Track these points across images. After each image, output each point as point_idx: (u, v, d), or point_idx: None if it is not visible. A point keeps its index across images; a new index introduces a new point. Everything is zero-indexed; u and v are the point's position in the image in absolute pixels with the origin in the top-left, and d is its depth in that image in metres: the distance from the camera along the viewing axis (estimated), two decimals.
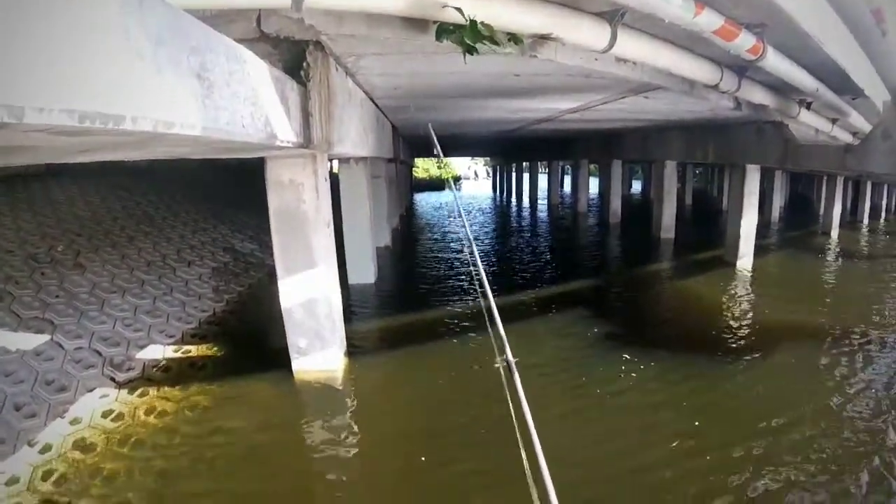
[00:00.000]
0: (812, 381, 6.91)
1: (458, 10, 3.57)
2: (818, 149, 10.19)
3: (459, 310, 9.58)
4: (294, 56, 4.56)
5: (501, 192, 44.48)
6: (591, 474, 4.68)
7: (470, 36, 3.67)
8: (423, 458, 4.90)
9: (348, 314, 8.69)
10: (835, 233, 20.92)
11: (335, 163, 15.42)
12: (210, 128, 2.48)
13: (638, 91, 7.61)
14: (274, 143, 3.57)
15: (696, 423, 5.74)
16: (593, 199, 32.83)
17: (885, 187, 29.40)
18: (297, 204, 5.70)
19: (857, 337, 8.45)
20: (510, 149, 32.56)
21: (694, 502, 4.36)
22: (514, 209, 31.07)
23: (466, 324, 8.75)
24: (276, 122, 3.62)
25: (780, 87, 7.13)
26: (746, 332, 8.78)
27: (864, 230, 23.07)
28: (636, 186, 47.53)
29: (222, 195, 13.92)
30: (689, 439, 5.41)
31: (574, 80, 6.52)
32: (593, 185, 34.29)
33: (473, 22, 3.65)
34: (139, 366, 6.22)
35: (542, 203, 33.11)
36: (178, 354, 6.75)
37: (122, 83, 1.73)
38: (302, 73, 4.50)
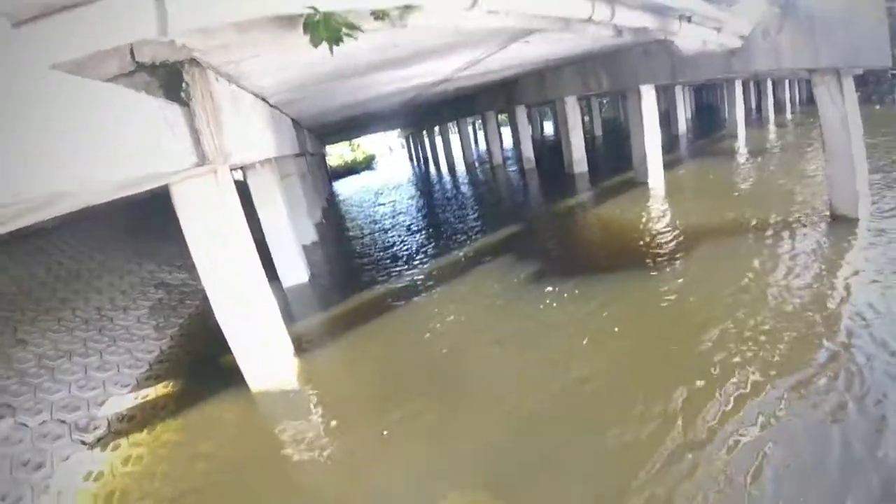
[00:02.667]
0: (732, 274, 7.44)
1: (314, 8, 3.64)
2: (704, 58, 10.64)
3: (397, 285, 9.85)
4: (173, 78, 4.52)
5: (418, 162, 44.55)
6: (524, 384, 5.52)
7: (325, 33, 3.73)
8: (385, 433, 5.19)
9: (289, 316, 8.81)
10: (741, 134, 22.06)
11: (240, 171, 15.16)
12: (100, 179, 2.51)
13: (517, 38, 7.80)
14: (168, 170, 3.59)
15: (616, 329, 6.48)
16: (509, 150, 33.38)
17: (787, 82, 30.93)
18: (209, 221, 5.66)
19: (770, 227, 9.12)
20: (417, 116, 32.56)
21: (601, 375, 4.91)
22: (433, 176, 31.22)
23: (405, 297, 9.05)
24: (165, 149, 3.64)
25: (656, 8, 7.42)
26: (663, 242, 9.38)
27: (771, 126, 24.31)
28: (549, 129, 48.40)
29: (141, 230, 13.47)
30: (604, 341, 6.25)
31: (453, 40, 6.66)
32: (508, 136, 34.87)
33: (326, 18, 3.71)
34: (104, 423, 6.17)
35: (460, 164, 33.44)
36: (139, 401, 6.71)
37: None
38: (183, 93, 4.48)
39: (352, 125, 28.05)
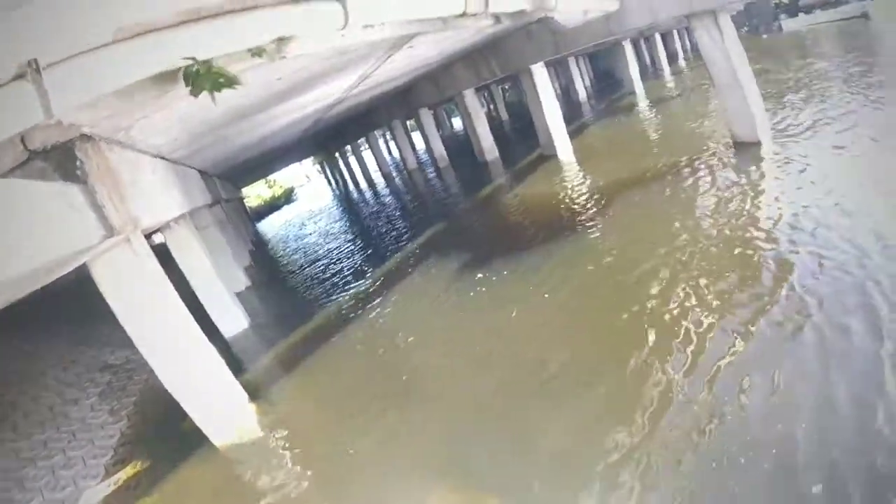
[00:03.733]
0: (658, 220, 7.89)
1: (192, 58, 3.70)
2: (583, 27, 11.16)
3: (339, 309, 9.89)
4: (67, 159, 4.48)
5: (337, 184, 44.26)
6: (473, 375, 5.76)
7: (207, 83, 3.80)
8: (351, 451, 5.31)
9: (237, 365, 8.74)
10: (639, 89, 23.09)
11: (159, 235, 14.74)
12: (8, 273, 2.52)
13: (400, 45, 7.97)
14: (78, 249, 3.58)
15: (546, 295, 6.88)
16: (423, 153, 33.70)
17: (676, 32, 32.47)
18: (133, 290, 5.60)
19: (680, 167, 9.73)
20: (326, 140, 32.40)
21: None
22: (353, 195, 31.23)
23: (348, 319, 9.11)
24: (71, 230, 3.63)
25: None
26: (582, 207, 9.81)
27: (668, 75, 25.55)
28: (459, 124, 48.95)
29: (72, 316, 12.96)
30: (541, 312, 6.58)
31: (336, 61, 6.76)
32: (421, 141, 35.20)
33: (198, 73, 3.79)
34: None
35: (378, 177, 33.55)
36: (112, 488, 6.53)
37: None
38: (78, 171, 4.43)
39: (263, 163, 27.72)
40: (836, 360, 3.88)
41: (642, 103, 19.83)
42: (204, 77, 3.81)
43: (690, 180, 8.85)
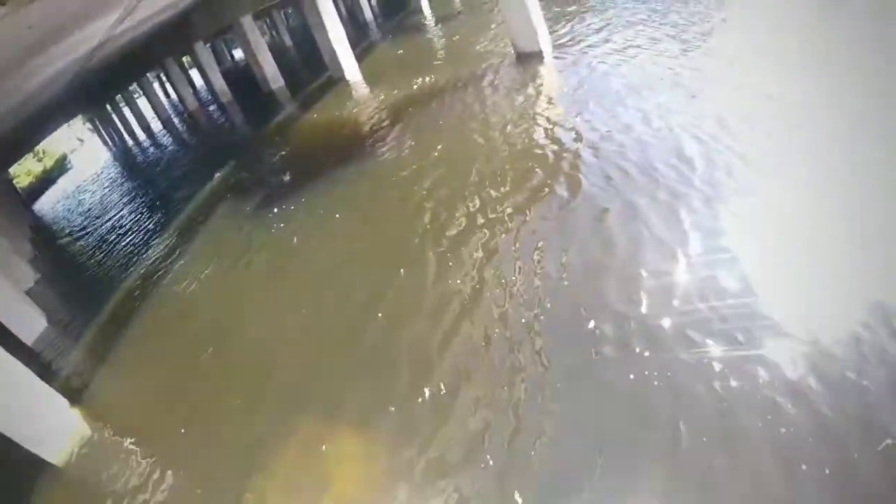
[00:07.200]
0: (449, 129, 8.48)
1: None
2: None
3: (142, 276, 9.54)
4: None
5: (114, 141, 40.01)
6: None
7: None
8: (182, 430, 5.32)
9: (47, 372, 7.89)
10: (426, 7, 23.18)
11: None
12: None
13: None
14: None
15: (337, 215, 7.42)
16: (203, 90, 31.62)
17: None
18: None
19: (469, 79, 10.29)
20: (93, 93, 28.74)
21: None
22: (133, 149, 28.99)
23: (154, 284, 8.86)
24: None
25: None
26: (374, 127, 10.17)
27: None
28: (241, 55, 45.91)
29: None
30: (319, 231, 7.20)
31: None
32: (200, 78, 32.76)
33: None
34: None
35: (157, 124, 31.00)
36: None
37: None
38: None
39: (25, 134, 24.11)
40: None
41: (429, 21, 20.14)
42: None
43: (477, 90, 9.49)
